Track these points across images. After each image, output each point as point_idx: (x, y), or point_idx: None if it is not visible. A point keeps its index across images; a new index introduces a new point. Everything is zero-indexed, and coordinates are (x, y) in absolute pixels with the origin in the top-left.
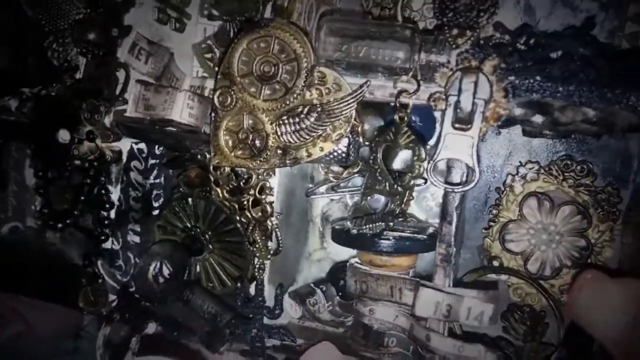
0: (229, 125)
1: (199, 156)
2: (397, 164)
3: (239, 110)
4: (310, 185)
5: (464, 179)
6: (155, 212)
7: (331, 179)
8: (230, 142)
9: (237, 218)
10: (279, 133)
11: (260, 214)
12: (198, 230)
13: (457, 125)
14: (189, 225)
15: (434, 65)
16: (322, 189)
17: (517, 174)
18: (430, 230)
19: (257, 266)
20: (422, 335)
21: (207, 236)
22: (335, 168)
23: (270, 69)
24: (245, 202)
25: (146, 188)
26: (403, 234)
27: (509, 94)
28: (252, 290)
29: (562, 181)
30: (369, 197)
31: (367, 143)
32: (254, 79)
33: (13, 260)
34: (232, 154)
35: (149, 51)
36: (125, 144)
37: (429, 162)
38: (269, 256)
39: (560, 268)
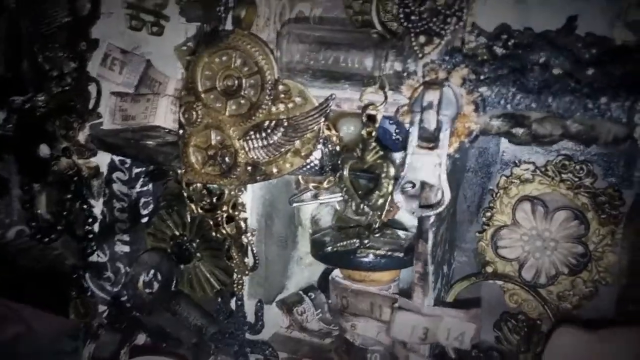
0: (197, 141)
1: (171, 172)
2: (364, 182)
3: (205, 126)
4: (296, 191)
5: (438, 199)
6: (145, 220)
7: (311, 188)
8: (199, 159)
9: (213, 235)
10: (247, 149)
11: (234, 230)
12: (185, 238)
13: (422, 144)
14: (176, 233)
15: (402, 74)
16: (306, 196)
17: (511, 175)
18: (408, 244)
19: (235, 282)
20: (402, 355)
21: (194, 244)
22: (316, 177)
23: (233, 83)
24: (219, 219)
25: (132, 198)
26: (378, 251)
27: (479, 107)
28: (232, 305)
29: (560, 182)
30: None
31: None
32: (218, 94)
33: (14, 266)
34: (203, 170)
35: (122, 61)
36: (104, 158)
37: (394, 184)
38: (246, 272)
39: (557, 275)
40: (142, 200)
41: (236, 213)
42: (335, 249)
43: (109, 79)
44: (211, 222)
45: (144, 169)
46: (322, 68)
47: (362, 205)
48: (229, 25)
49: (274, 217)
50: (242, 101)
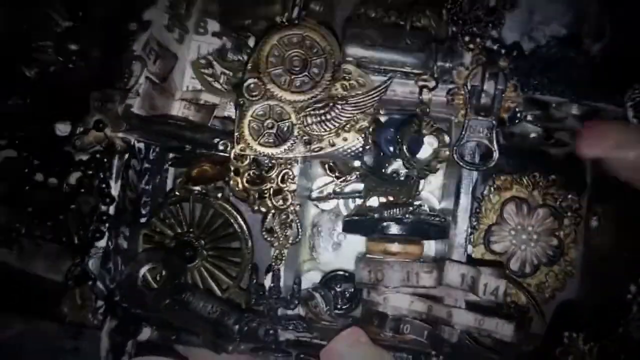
0: (255, 114)
1: (209, 148)
2: (426, 150)
3: (266, 100)
4: (306, 181)
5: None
6: (143, 220)
7: (335, 179)
8: (255, 130)
9: (256, 207)
10: (304, 123)
11: (281, 202)
12: (191, 235)
13: (479, 113)
14: (180, 231)
15: (449, 68)
16: (326, 192)
17: (493, 184)
18: (442, 219)
19: (274, 256)
20: (443, 313)
21: (201, 242)
22: (342, 167)
23: (299, 63)
24: (266, 191)
25: (139, 191)
26: (419, 217)
27: (517, 89)
28: (267, 281)
29: (532, 190)
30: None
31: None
32: (283, 72)
33: None
34: (257, 142)
35: (158, 52)
36: (129, 139)
37: (454, 146)
38: (287, 244)
39: (538, 265)
40: (144, 199)
41: (284, 185)
42: (382, 216)
43: (145, 64)
44: (256, 195)
45: (150, 165)
46: (379, 67)
47: (419, 171)
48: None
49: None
50: (306, 79)
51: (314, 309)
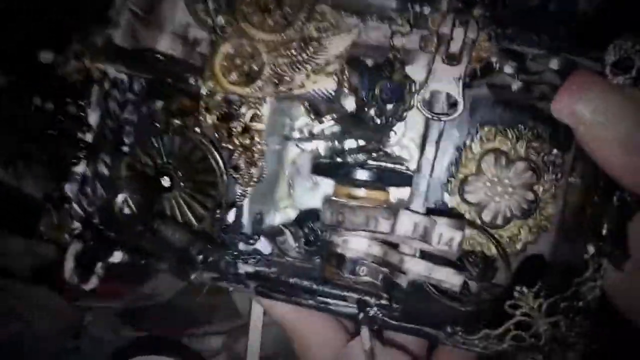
0: (226, 50)
1: (186, 83)
2: (395, 94)
3: (238, 37)
4: (289, 121)
5: (446, 111)
6: (125, 149)
7: (312, 119)
8: (225, 66)
9: (224, 145)
10: (275, 63)
11: (248, 141)
12: (170, 167)
13: (447, 61)
14: (160, 161)
15: (427, 14)
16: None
17: (476, 134)
18: (407, 166)
19: (238, 193)
20: (396, 259)
21: (178, 173)
22: (320, 109)
23: (273, 2)
24: (234, 129)
25: (120, 121)
26: (384, 164)
27: (491, 38)
28: (230, 217)
29: (516, 143)
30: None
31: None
32: (256, 10)
33: None
34: (227, 79)
35: None
36: (108, 70)
37: (419, 93)
38: (251, 183)
39: (511, 218)
40: (127, 128)
41: (253, 124)
42: (346, 162)
43: None
44: (225, 133)
45: (135, 97)
46: (352, 6)
47: (385, 117)
48: None
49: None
50: (279, 19)
51: (281, 245)
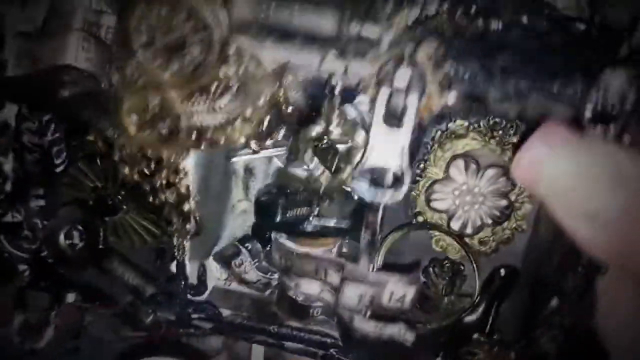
0: (131, 103)
1: (101, 130)
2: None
3: (142, 86)
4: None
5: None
6: (59, 169)
7: (253, 147)
8: (135, 123)
9: (150, 199)
10: (190, 113)
11: (175, 197)
12: (108, 190)
13: (387, 124)
14: (98, 185)
15: (365, 41)
16: (245, 151)
17: (447, 130)
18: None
19: (176, 246)
20: (346, 315)
21: (119, 197)
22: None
23: (175, 40)
24: (157, 185)
25: (44, 147)
26: (326, 222)
27: (444, 88)
28: (173, 268)
29: (490, 139)
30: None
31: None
32: (157, 51)
33: None
34: (139, 135)
35: None
36: (11, 108)
37: (354, 167)
38: (187, 237)
39: (482, 226)
40: (55, 148)
41: (177, 180)
42: (284, 219)
43: (11, 14)
44: (148, 188)
45: (52, 115)
46: (276, 26)
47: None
48: None
49: (210, 174)
50: (186, 61)
51: (237, 269)
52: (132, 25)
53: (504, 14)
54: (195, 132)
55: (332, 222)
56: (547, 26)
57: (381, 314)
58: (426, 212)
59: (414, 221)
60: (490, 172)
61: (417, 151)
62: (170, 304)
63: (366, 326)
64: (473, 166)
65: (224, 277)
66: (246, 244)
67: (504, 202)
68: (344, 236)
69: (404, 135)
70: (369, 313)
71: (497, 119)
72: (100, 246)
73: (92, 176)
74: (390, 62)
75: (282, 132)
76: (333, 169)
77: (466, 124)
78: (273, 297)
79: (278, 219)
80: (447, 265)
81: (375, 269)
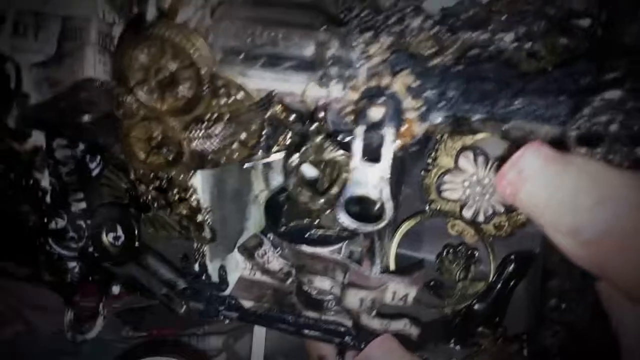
0: (136, 134)
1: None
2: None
3: (143, 118)
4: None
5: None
6: (95, 173)
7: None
8: (142, 151)
9: (168, 213)
10: (190, 140)
11: (188, 211)
12: (139, 192)
13: (365, 158)
14: (129, 186)
15: (346, 63)
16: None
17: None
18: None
19: (196, 250)
20: (354, 313)
21: (150, 195)
22: None
23: (165, 77)
24: (171, 201)
25: (77, 157)
26: (328, 231)
27: (423, 116)
28: (197, 268)
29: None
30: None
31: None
32: (152, 87)
33: None
34: (148, 160)
35: (36, 23)
36: (39, 134)
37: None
38: (205, 244)
39: (494, 214)
40: (88, 156)
41: (187, 196)
42: (287, 229)
43: (25, 49)
44: (164, 202)
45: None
46: (260, 52)
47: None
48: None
49: (225, 178)
50: (179, 95)
51: (260, 259)
52: (125, 65)
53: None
54: (197, 155)
55: (331, 232)
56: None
57: (385, 312)
58: (438, 201)
59: (427, 208)
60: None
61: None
62: (199, 297)
63: (372, 323)
64: (481, 158)
65: (249, 269)
66: (268, 234)
67: None
68: (345, 241)
69: (382, 169)
70: (373, 313)
71: None
72: (137, 243)
73: (125, 179)
74: (367, 93)
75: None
76: (322, 190)
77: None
78: (293, 286)
79: (282, 229)
80: (461, 250)
81: (377, 273)
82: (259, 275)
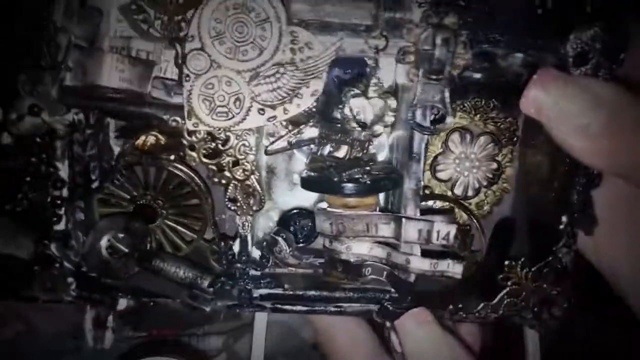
0: (203, 87)
1: (166, 124)
2: (369, 114)
3: (213, 72)
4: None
5: (431, 120)
6: (95, 185)
7: (289, 132)
8: (206, 104)
9: (215, 180)
10: (255, 93)
11: (240, 173)
12: (149, 197)
13: (431, 76)
14: (136, 194)
15: (399, 22)
16: (281, 144)
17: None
18: (396, 174)
19: (241, 223)
20: (402, 260)
21: (158, 202)
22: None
23: (243, 30)
24: (224, 164)
25: (85, 161)
26: (377, 175)
27: (466, 45)
28: (236, 247)
29: (474, 116)
30: (323, 147)
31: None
32: (227, 41)
33: None
34: (209, 115)
35: (80, 13)
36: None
37: (407, 110)
38: (251, 213)
39: (479, 188)
40: (92, 164)
41: (242, 157)
42: (341, 179)
43: (70, 29)
44: (215, 168)
45: (92, 130)
46: (325, 19)
47: (362, 135)
48: None
49: None
50: (252, 47)
51: (278, 255)
52: (205, 17)
53: None
54: (259, 109)
55: (381, 175)
56: None
57: (431, 251)
58: (431, 184)
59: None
60: (482, 139)
61: None
62: (232, 287)
63: (422, 265)
64: (468, 136)
65: (269, 264)
66: (281, 234)
67: (494, 165)
68: (391, 188)
69: (444, 83)
70: (419, 252)
71: (477, 100)
72: (147, 247)
73: (130, 186)
74: (426, 31)
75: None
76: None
77: (453, 105)
78: (320, 271)
79: (336, 179)
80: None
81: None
82: (280, 269)
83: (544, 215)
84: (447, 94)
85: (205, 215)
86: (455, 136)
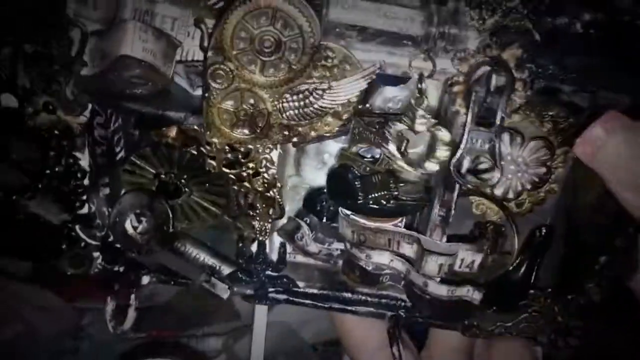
0: (225, 104)
1: (186, 125)
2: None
3: (235, 88)
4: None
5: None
6: (119, 157)
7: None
8: (228, 122)
9: (235, 189)
10: (282, 111)
11: (261, 185)
12: (173, 175)
13: (480, 122)
14: (161, 170)
15: (451, 38)
16: None
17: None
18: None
19: (258, 229)
20: (420, 281)
21: (182, 180)
22: None
23: (271, 45)
24: (244, 175)
25: (108, 138)
26: (403, 200)
27: (527, 85)
28: (254, 248)
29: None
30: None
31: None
32: (253, 56)
33: None
34: (232, 132)
35: None
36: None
37: (451, 158)
38: (269, 220)
39: (522, 191)
40: (115, 137)
41: (263, 169)
42: (367, 202)
43: (86, 16)
44: (234, 177)
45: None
46: (369, 25)
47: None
48: None
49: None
50: (281, 64)
51: (300, 242)
52: (229, 32)
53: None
54: (285, 128)
55: (408, 201)
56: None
57: (452, 279)
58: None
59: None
60: (533, 143)
61: None
62: (249, 280)
63: (439, 291)
64: (518, 139)
65: (290, 251)
66: (304, 218)
67: (543, 170)
68: (416, 213)
69: (496, 132)
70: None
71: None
72: (170, 229)
73: (155, 162)
74: (481, 68)
75: None
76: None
77: None
78: (338, 266)
79: (360, 201)
80: (490, 226)
81: (445, 240)
82: (301, 258)
83: (582, 247)
84: (497, 144)
85: (230, 193)
86: (505, 137)
